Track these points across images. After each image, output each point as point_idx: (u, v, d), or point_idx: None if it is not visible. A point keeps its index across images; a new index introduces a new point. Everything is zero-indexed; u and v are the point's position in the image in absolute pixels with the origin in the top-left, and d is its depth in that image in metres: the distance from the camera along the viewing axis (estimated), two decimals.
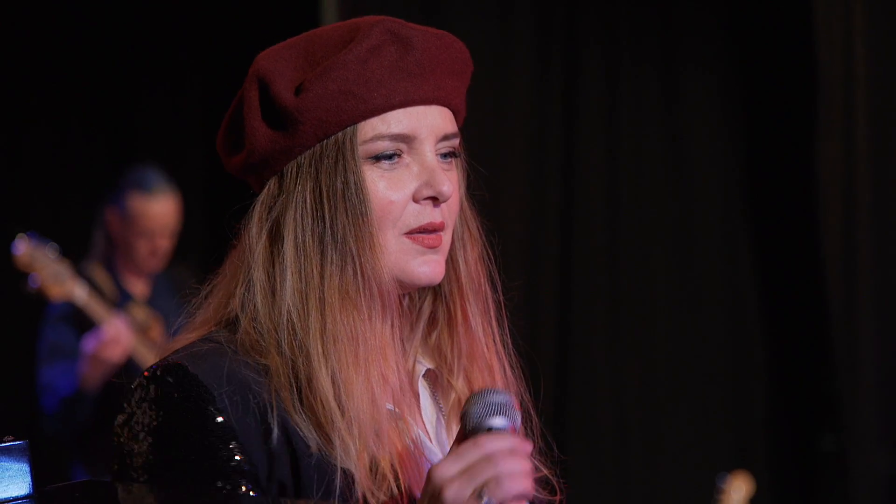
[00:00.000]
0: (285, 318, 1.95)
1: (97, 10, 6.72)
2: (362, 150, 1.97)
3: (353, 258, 1.95)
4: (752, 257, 6.88)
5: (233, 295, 2.01)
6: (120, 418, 1.94)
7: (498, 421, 1.87)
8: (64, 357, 5.29)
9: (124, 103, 6.91)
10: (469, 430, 1.89)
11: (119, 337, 5.21)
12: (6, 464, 1.65)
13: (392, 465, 1.93)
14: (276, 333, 1.96)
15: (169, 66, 6.93)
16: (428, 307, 2.12)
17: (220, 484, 1.86)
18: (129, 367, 5.29)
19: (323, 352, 1.93)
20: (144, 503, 1.87)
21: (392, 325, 2.00)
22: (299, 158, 1.99)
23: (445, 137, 2.04)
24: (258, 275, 1.99)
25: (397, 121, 1.98)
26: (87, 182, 6.61)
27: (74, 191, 6.66)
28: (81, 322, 5.29)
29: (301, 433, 1.90)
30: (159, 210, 5.56)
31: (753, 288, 6.88)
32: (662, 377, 6.72)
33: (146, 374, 1.94)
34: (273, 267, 1.98)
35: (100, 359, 5.19)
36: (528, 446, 1.88)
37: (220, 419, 1.88)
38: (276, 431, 1.89)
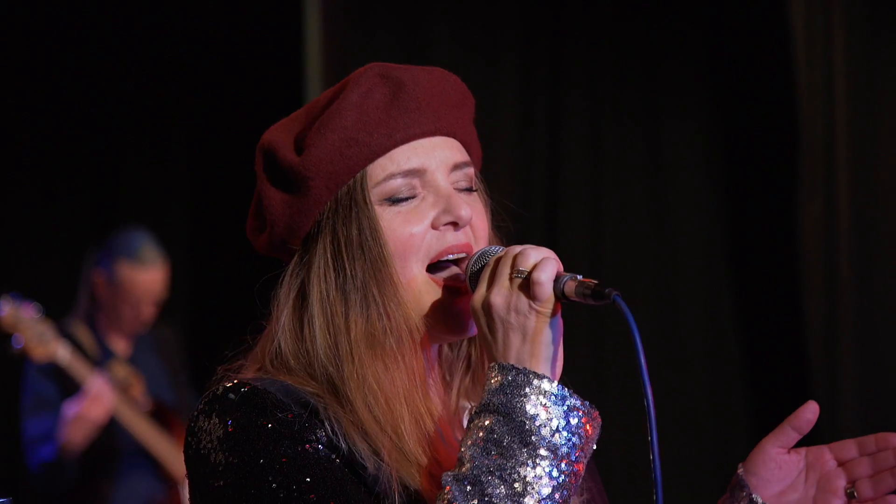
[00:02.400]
0: (322, 373, 1.97)
1: (80, 69, 6.72)
2: (376, 192, 2.00)
3: (375, 301, 1.97)
4: (735, 317, 6.87)
5: (264, 362, 2.02)
6: (189, 451, 1.94)
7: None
8: (48, 410, 5.27)
9: (107, 164, 6.89)
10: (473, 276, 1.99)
11: (101, 396, 5.20)
12: None
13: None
14: (318, 383, 1.97)
15: (153, 126, 6.93)
16: (465, 348, 2.13)
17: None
18: (110, 426, 5.27)
19: (363, 401, 1.94)
20: None
21: (428, 361, 2.03)
22: (319, 218, 2.01)
23: (457, 167, 2.06)
24: (285, 339, 2.01)
25: (405, 158, 2.01)
26: (68, 242, 6.59)
27: (56, 251, 6.63)
28: (63, 376, 5.27)
29: (359, 450, 1.90)
30: (148, 279, 5.56)
31: (736, 347, 6.87)
32: (643, 439, 6.68)
33: (207, 398, 1.94)
34: (302, 328, 2.00)
35: (83, 418, 5.17)
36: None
37: (293, 413, 1.90)
38: (342, 444, 1.90)
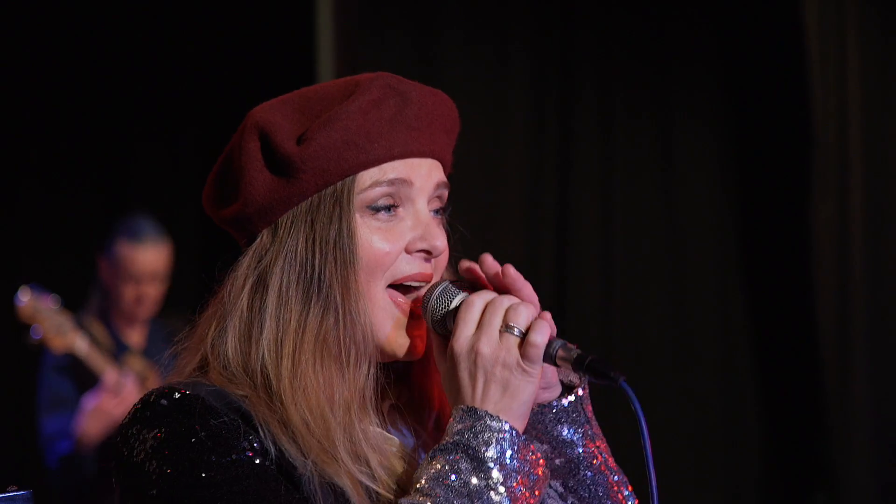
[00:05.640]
0: (258, 364, 1.97)
1: (91, 61, 6.72)
2: (359, 199, 1.99)
3: (335, 306, 1.96)
4: (746, 317, 6.87)
5: (203, 340, 2.02)
6: (120, 458, 1.91)
7: (461, 295, 2.00)
8: (65, 407, 5.26)
9: (120, 155, 6.90)
10: (439, 319, 1.98)
11: (119, 389, 5.20)
12: None
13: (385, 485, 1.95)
14: (248, 378, 1.97)
15: (164, 117, 6.93)
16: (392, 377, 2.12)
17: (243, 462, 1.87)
18: None
19: (294, 401, 1.94)
20: None
21: (368, 374, 2.01)
22: (294, 209, 2.00)
23: (438, 187, 2.06)
24: (233, 322, 1.99)
25: (393, 169, 2.01)
26: (82, 234, 6.59)
27: (69, 243, 6.63)
28: (79, 373, 5.27)
29: (288, 452, 1.91)
30: (146, 257, 5.53)
31: (748, 347, 6.87)
32: (656, 437, 6.67)
33: (139, 404, 1.93)
34: (252, 315, 1.99)
35: (101, 412, 5.17)
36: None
37: (225, 419, 1.90)
38: (272, 448, 1.90)
